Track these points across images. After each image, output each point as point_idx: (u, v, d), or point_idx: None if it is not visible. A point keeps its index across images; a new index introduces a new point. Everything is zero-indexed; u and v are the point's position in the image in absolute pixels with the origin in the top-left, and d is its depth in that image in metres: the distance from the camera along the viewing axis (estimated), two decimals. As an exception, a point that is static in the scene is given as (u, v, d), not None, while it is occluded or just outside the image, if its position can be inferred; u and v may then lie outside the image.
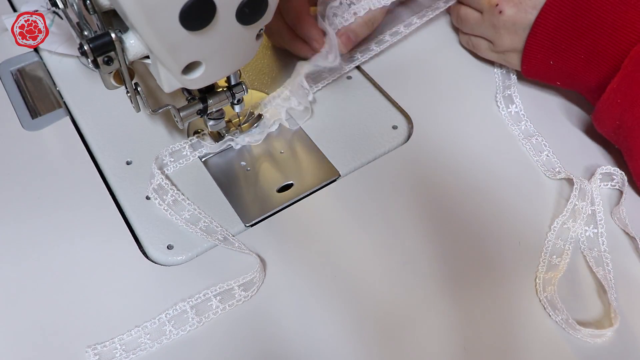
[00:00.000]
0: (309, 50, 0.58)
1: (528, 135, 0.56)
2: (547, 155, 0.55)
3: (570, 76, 0.54)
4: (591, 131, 0.56)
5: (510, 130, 0.57)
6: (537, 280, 0.47)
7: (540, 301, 0.46)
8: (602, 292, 0.47)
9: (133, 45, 0.42)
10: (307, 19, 0.58)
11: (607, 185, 0.53)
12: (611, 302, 0.45)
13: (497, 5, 0.55)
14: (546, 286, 0.47)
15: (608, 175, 0.52)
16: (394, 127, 0.58)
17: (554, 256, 0.48)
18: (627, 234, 0.50)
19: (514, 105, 0.58)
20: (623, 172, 0.52)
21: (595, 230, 0.50)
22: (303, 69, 0.57)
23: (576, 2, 0.50)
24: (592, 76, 0.52)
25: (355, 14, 0.58)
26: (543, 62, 0.54)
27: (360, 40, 0.61)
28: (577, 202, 0.51)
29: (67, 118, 0.59)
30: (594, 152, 0.55)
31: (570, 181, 0.52)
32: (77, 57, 0.63)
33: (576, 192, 0.51)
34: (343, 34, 0.58)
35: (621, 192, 0.52)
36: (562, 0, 0.51)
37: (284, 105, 0.57)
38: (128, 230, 0.51)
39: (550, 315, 0.45)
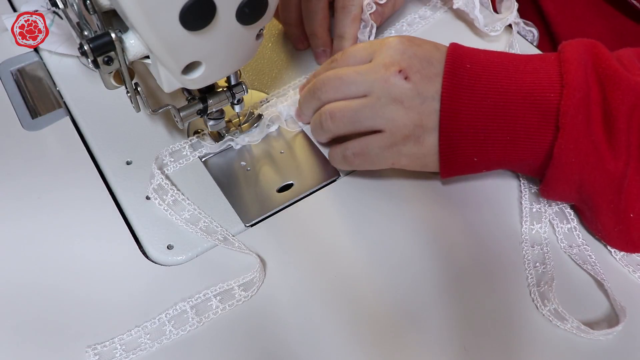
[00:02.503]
0: (305, 46, 0.62)
1: None
2: None
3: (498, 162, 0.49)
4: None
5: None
6: (532, 295, 0.46)
7: (543, 316, 0.46)
8: (598, 286, 0.47)
9: (133, 45, 0.42)
10: (323, 19, 0.60)
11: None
12: (610, 294, 0.46)
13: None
14: (544, 301, 0.46)
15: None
16: (394, 127, 0.57)
17: (537, 264, 0.48)
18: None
19: None
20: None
21: (569, 225, 0.50)
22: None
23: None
24: (527, 151, 0.46)
25: None
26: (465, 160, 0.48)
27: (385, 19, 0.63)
28: (530, 205, 0.51)
29: (67, 118, 0.59)
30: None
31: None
32: (77, 57, 0.63)
33: (526, 196, 0.51)
34: (374, 12, 0.60)
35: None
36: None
37: (287, 110, 0.57)
38: (128, 230, 0.51)
39: (559, 326, 0.45)
